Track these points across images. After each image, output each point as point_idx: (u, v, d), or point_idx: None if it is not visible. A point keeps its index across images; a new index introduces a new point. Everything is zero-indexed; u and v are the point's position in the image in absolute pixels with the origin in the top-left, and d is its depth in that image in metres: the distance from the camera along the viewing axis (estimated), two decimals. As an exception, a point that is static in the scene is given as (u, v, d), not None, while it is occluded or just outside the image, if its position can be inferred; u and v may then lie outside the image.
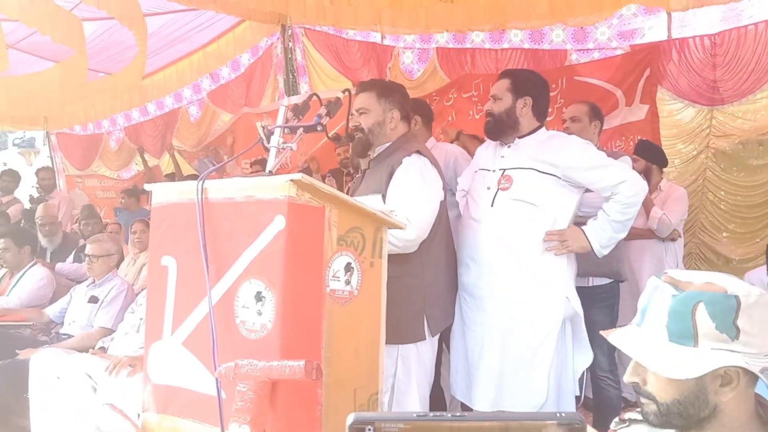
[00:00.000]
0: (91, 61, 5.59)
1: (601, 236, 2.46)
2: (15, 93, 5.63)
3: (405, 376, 2.39)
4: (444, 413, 0.75)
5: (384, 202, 2.33)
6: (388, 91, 2.52)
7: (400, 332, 2.31)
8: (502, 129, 2.58)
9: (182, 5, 5.34)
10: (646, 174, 3.82)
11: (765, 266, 2.65)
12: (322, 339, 1.76)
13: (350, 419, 0.75)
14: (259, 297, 1.71)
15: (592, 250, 2.48)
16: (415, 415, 0.75)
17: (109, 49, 6.30)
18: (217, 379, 1.70)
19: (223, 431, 1.68)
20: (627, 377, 1.19)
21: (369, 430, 0.75)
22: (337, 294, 1.82)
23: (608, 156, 3.10)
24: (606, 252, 2.52)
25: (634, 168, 3.37)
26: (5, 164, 12.27)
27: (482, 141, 3.04)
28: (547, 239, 2.46)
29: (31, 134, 14.91)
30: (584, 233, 2.47)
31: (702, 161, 4.74)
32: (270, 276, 1.70)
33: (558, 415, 0.74)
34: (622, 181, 2.40)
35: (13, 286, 4.33)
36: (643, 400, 1.17)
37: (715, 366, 1.06)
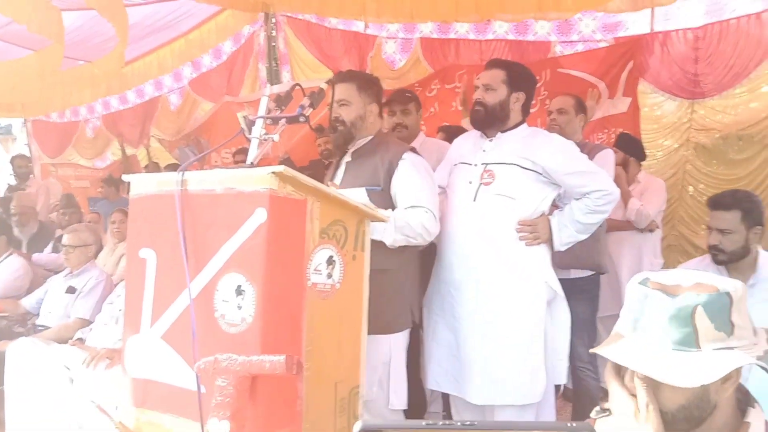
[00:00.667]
0: (72, 51, 5.46)
1: (563, 233, 2.50)
2: (-9, 80, 5.50)
3: (397, 363, 2.42)
4: (453, 422, 0.73)
5: (391, 196, 2.37)
6: (368, 84, 2.52)
7: (392, 322, 2.36)
8: (492, 121, 2.55)
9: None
10: (624, 166, 3.86)
11: (699, 258, 2.63)
12: (303, 333, 1.75)
13: (357, 428, 0.73)
14: (239, 290, 1.69)
15: (552, 243, 2.51)
16: (424, 423, 0.74)
17: (90, 39, 6.15)
18: (196, 374, 1.68)
19: (202, 426, 1.66)
20: None
21: None
22: (318, 287, 1.80)
23: (591, 149, 3.13)
24: (564, 248, 2.55)
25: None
26: (-19, 151, 12.01)
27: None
28: (520, 230, 2.47)
29: (8, 121, 14.59)
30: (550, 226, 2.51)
31: (682, 154, 4.77)
32: (250, 269, 1.68)
33: (569, 425, 0.74)
34: (596, 189, 2.43)
35: (-12, 277, 4.25)
36: None
37: (728, 369, 1.04)
